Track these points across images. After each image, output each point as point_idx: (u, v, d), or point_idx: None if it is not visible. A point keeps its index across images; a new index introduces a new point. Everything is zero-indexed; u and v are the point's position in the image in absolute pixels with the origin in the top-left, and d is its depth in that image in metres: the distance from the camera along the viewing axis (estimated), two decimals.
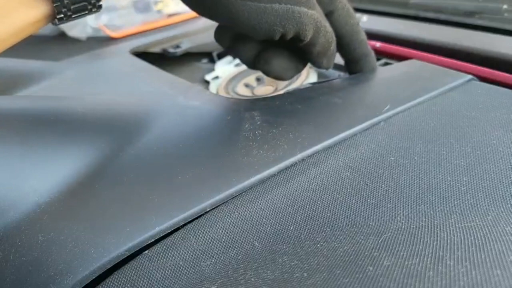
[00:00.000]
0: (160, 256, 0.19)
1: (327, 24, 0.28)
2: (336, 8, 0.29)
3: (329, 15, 0.29)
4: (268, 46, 0.28)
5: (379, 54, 0.40)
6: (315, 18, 0.26)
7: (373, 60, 0.33)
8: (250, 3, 0.24)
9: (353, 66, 0.33)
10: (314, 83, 0.35)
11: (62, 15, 0.23)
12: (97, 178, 0.24)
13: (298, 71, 0.30)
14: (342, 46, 0.31)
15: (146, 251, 0.19)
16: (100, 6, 0.25)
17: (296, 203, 0.21)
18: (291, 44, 0.27)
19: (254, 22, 0.24)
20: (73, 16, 0.24)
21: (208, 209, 0.21)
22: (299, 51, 0.28)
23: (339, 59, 0.40)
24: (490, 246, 0.16)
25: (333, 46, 0.29)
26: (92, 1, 0.24)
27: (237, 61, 0.45)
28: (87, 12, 0.24)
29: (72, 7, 0.23)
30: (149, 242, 0.19)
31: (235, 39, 0.28)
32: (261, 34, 0.25)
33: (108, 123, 0.29)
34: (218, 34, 0.29)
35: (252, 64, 0.29)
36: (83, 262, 0.18)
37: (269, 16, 0.24)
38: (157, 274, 0.18)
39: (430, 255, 0.15)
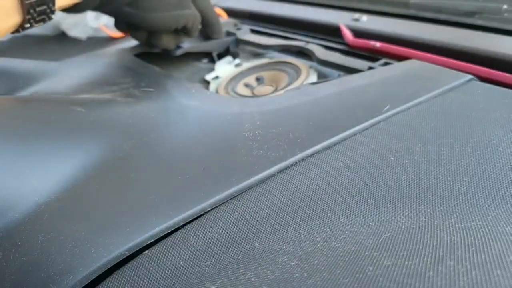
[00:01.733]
0: (160, 256, 0.19)
1: (197, 13, 0.42)
2: None
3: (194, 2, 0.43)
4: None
5: (379, 54, 0.40)
6: (194, 14, 0.41)
7: (220, 27, 0.47)
8: (157, 14, 0.38)
9: (206, 30, 0.47)
10: (314, 83, 0.35)
11: (29, 25, 0.28)
12: (97, 178, 0.24)
13: (178, 42, 0.45)
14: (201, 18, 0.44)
15: (146, 251, 0.19)
16: (51, 18, 0.30)
17: (296, 203, 0.21)
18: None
19: (159, 24, 0.39)
20: (34, 25, 0.29)
21: (208, 209, 0.21)
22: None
23: (339, 59, 0.40)
24: (490, 246, 0.16)
25: (197, 24, 0.43)
26: (49, 14, 0.29)
27: (237, 61, 0.45)
28: (45, 21, 0.30)
29: (37, 18, 0.28)
30: (149, 242, 0.19)
31: (129, 28, 0.42)
32: (161, 30, 0.41)
33: (108, 123, 0.29)
34: (117, 25, 0.42)
35: (144, 42, 0.43)
36: (83, 262, 0.18)
37: (168, 19, 0.39)
38: (157, 274, 0.18)
39: (430, 255, 0.15)
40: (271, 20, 0.53)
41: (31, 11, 0.28)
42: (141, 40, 0.43)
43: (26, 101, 0.31)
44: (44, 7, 0.28)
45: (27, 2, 0.27)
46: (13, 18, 0.27)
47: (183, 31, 0.43)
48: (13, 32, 0.29)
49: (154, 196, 0.22)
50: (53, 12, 0.30)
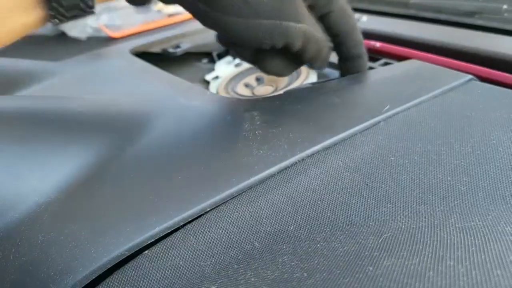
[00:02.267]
0: (160, 256, 0.19)
1: (317, 34, 0.29)
2: (332, 10, 0.30)
3: (325, 16, 0.30)
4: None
5: (379, 54, 0.40)
6: (303, 31, 0.28)
7: (365, 62, 0.33)
8: (240, 19, 0.26)
9: (345, 65, 0.33)
10: (314, 83, 0.35)
11: (57, 20, 0.26)
12: (97, 178, 0.24)
13: (293, 69, 0.32)
14: (337, 44, 0.32)
15: (146, 251, 0.19)
16: (93, 12, 0.28)
17: (296, 203, 0.21)
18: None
19: (244, 35, 0.27)
20: (68, 19, 0.26)
21: (208, 209, 0.21)
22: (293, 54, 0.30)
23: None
24: (490, 246, 0.16)
25: (325, 51, 0.31)
26: (85, 9, 0.27)
27: (237, 61, 0.45)
28: (81, 15, 0.27)
29: (67, 13, 0.26)
30: (149, 242, 0.19)
31: (234, 42, 0.30)
32: (252, 45, 0.28)
33: (108, 123, 0.29)
34: (219, 40, 0.31)
35: (251, 62, 0.32)
36: (83, 262, 0.18)
37: (257, 30, 0.26)
38: (157, 274, 0.18)
39: (430, 255, 0.15)
40: None
41: (55, 5, 0.25)
42: (245, 59, 0.32)
43: (26, 101, 0.31)
44: (76, 1, 0.26)
45: None
46: (32, 13, 0.25)
47: (296, 54, 0.29)
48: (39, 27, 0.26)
49: (154, 196, 0.22)
50: (89, 6, 0.27)
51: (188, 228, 0.20)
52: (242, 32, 0.26)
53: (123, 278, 0.18)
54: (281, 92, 0.35)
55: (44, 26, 0.26)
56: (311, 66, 0.32)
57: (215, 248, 0.19)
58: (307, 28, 0.28)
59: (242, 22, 0.26)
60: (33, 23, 0.25)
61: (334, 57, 0.40)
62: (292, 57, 0.30)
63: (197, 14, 0.28)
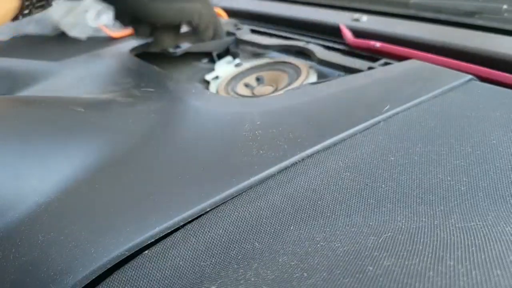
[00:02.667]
0: (160, 256, 0.19)
1: (209, 10, 0.40)
2: None
3: None
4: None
5: (379, 54, 0.40)
6: (197, 9, 0.39)
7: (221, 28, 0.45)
8: (158, 3, 0.37)
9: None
10: (314, 83, 0.35)
11: (28, 10, 0.29)
12: (97, 178, 0.24)
13: (177, 42, 0.43)
14: None
15: (146, 251, 0.19)
16: (50, 4, 0.31)
17: (296, 203, 0.21)
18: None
19: (163, 16, 0.38)
20: (34, 12, 0.29)
21: (208, 209, 0.21)
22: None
23: (339, 59, 0.40)
24: (490, 246, 0.16)
25: (207, 21, 0.41)
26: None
27: (237, 61, 0.45)
28: (45, 7, 0.30)
29: (36, 3, 0.29)
30: (149, 242, 0.19)
31: (132, 22, 0.41)
32: (167, 23, 0.39)
33: (108, 123, 0.29)
34: (118, 18, 0.41)
35: (148, 37, 0.43)
36: (83, 262, 0.18)
37: (172, 11, 0.38)
38: (157, 274, 0.18)
39: (430, 255, 0.15)
40: (271, 20, 0.53)
41: None
42: (143, 36, 0.42)
43: (26, 101, 0.31)
44: None
45: None
46: (10, 2, 0.27)
47: (193, 30, 0.41)
48: (12, 20, 0.29)
49: (154, 196, 0.22)
50: None
51: (188, 228, 0.20)
52: (160, 13, 0.37)
53: (123, 278, 0.18)
54: (281, 92, 0.35)
55: (14, 17, 0.28)
56: (202, 36, 0.42)
57: (215, 248, 0.19)
58: (200, 6, 0.40)
59: (161, 6, 0.37)
60: (8, 14, 0.28)
61: (334, 57, 0.40)
62: (177, 32, 0.42)
63: (122, 5, 0.38)
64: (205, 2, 0.40)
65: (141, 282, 0.18)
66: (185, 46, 0.46)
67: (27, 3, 0.28)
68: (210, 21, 0.42)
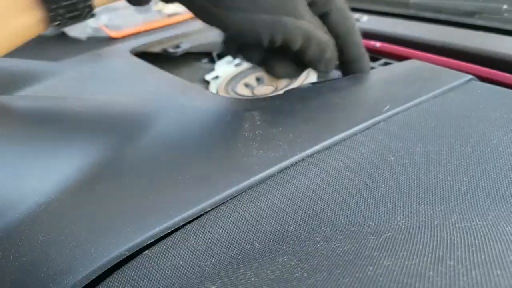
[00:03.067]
0: (160, 256, 0.19)
1: (319, 33, 0.29)
2: (331, 10, 0.30)
3: (324, 16, 0.30)
4: (271, 52, 0.30)
5: (379, 54, 0.40)
6: (303, 28, 0.27)
7: (367, 62, 0.33)
8: (240, 14, 0.26)
9: (347, 67, 0.33)
10: (314, 83, 0.35)
11: (58, 22, 0.25)
12: (97, 178, 0.24)
13: (299, 72, 0.32)
14: (337, 46, 0.31)
15: (146, 251, 0.19)
16: (92, 15, 0.27)
17: (296, 203, 0.21)
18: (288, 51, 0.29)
19: (244, 30, 0.27)
20: (68, 22, 0.25)
21: (208, 209, 0.21)
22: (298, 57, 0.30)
23: None
24: (490, 246, 0.16)
25: (329, 52, 0.30)
26: (85, 10, 0.26)
27: (237, 61, 0.45)
28: (80, 18, 0.26)
29: (67, 15, 0.25)
30: (149, 242, 0.19)
31: (241, 47, 0.30)
32: (251, 40, 0.27)
33: (108, 123, 0.29)
34: (226, 45, 0.31)
35: (259, 65, 0.32)
36: (83, 262, 0.18)
37: (257, 25, 0.26)
38: (157, 274, 0.18)
39: (430, 255, 0.15)
40: None
41: (54, 6, 0.24)
42: (253, 62, 0.32)
43: (26, 101, 0.31)
44: (75, 2, 0.25)
45: None
46: (30, 15, 0.23)
47: (298, 55, 0.29)
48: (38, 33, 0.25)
49: (154, 196, 0.22)
50: (88, 7, 0.25)
51: (188, 228, 0.20)
52: (242, 27, 0.26)
53: (123, 278, 0.18)
54: (281, 92, 0.35)
55: (44, 29, 0.26)
56: (314, 68, 0.31)
57: (215, 248, 0.19)
58: (307, 25, 0.27)
59: (243, 17, 0.26)
60: (32, 26, 0.24)
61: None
62: (297, 60, 0.30)
63: (197, 11, 0.28)
64: (316, 23, 0.29)
65: (141, 282, 0.18)
66: (185, 46, 0.46)
67: (51, 14, 0.24)
68: (324, 48, 0.29)
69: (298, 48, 0.28)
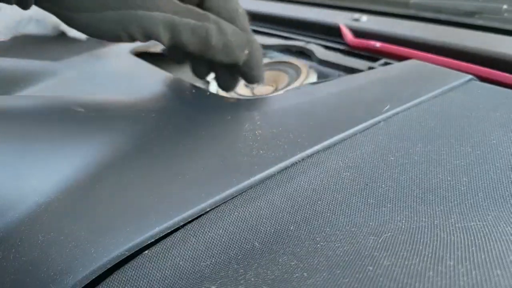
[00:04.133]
0: (160, 256, 0.19)
1: (187, 20, 0.26)
2: None
3: (202, 4, 0.28)
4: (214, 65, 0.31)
5: (379, 54, 0.40)
6: (160, 18, 0.25)
7: (257, 51, 0.31)
8: (86, 14, 0.25)
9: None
10: (314, 83, 0.35)
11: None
12: (97, 178, 0.24)
13: (236, 83, 0.32)
14: None
15: (146, 251, 0.19)
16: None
17: (296, 203, 0.21)
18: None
19: (96, 30, 0.25)
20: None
21: (208, 209, 0.21)
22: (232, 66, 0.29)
23: (339, 59, 0.40)
24: (490, 246, 0.16)
25: (214, 37, 0.27)
26: None
27: None
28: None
29: None
30: (149, 242, 0.19)
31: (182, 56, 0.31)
32: (110, 39, 0.26)
33: (108, 123, 0.29)
34: (168, 53, 0.32)
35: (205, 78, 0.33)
36: (83, 262, 0.18)
37: (105, 23, 0.25)
38: (157, 274, 0.18)
39: (430, 255, 0.15)
40: (271, 20, 0.53)
41: None
42: (201, 76, 0.32)
43: (26, 101, 0.31)
44: None
45: None
46: None
47: (188, 49, 0.27)
48: None
49: (154, 196, 0.22)
50: None
51: (188, 228, 0.20)
52: (95, 27, 0.25)
53: (123, 278, 0.18)
54: (281, 92, 0.35)
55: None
56: (223, 63, 0.28)
57: (215, 248, 0.19)
58: (166, 14, 0.25)
59: (90, 17, 0.25)
60: None
61: (334, 57, 0.40)
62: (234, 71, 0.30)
63: (55, 16, 0.26)
64: (181, 11, 0.26)
65: (141, 282, 0.18)
66: None
67: None
68: (204, 35, 0.27)
69: (173, 41, 0.26)
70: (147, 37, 0.26)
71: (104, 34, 0.26)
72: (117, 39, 0.26)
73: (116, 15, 0.25)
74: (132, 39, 0.26)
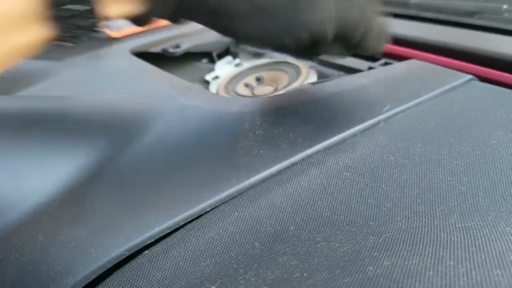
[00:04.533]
0: (160, 256, 0.19)
1: (349, 15, 0.25)
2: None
3: None
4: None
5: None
6: (328, 18, 0.24)
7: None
8: (253, 26, 0.24)
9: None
10: (314, 83, 0.35)
11: (69, 42, 0.22)
12: (97, 178, 0.24)
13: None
14: None
15: (146, 251, 0.19)
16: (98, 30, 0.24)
17: (296, 203, 0.21)
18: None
19: (266, 39, 0.25)
20: (77, 38, 0.23)
21: (208, 209, 0.21)
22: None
23: (339, 59, 0.40)
24: (490, 246, 0.16)
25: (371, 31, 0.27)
26: (93, 27, 0.23)
27: (237, 61, 0.45)
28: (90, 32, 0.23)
29: (76, 31, 0.22)
30: (149, 242, 0.19)
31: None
32: (276, 46, 0.26)
33: (108, 123, 0.29)
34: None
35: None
36: (83, 262, 0.18)
37: (276, 33, 0.24)
38: (157, 274, 0.18)
39: (430, 255, 0.15)
40: None
41: (69, 26, 0.21)
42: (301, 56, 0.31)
43: (26, 101, 0.31)
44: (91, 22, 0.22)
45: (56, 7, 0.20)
46: (35, 31, 0.20)
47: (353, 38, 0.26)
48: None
49: (154, 196, 0.22)
50: (93, 24, 0.22)
51: (188, 228, 0.20)
52: (263, 38, 0.25)
53: (123, 278, 0.18)
54: (281, 92, 0.35)
55: (49, 46, 0.22)
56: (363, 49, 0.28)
57: (215, 248, 0.19)
58: (331, 15, 0.24)
59: (257, 29, 0.24)
60: (36, 43, 0.21)
61: (334, 57, 0.40)
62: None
63: (216, 29, 0.26)
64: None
65: (141, 282, 0.18)
66: (185, 46, 0.46)
67: (65, 34, 0.21)
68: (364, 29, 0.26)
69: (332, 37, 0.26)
70: (316, 38, 0.25)
71: (274, 43, 0.25)
72: (282, 44, 0.25)
73: (284, 23, 0.24)
74: (296, 43, 0.25)
